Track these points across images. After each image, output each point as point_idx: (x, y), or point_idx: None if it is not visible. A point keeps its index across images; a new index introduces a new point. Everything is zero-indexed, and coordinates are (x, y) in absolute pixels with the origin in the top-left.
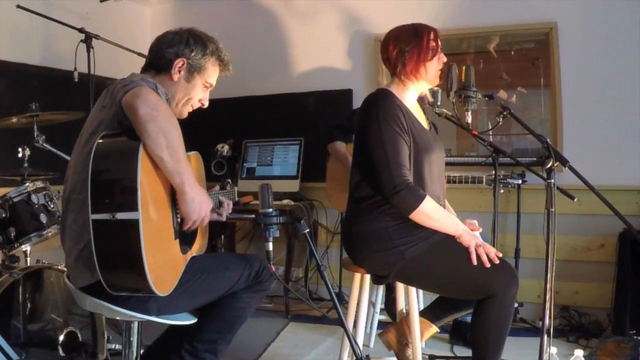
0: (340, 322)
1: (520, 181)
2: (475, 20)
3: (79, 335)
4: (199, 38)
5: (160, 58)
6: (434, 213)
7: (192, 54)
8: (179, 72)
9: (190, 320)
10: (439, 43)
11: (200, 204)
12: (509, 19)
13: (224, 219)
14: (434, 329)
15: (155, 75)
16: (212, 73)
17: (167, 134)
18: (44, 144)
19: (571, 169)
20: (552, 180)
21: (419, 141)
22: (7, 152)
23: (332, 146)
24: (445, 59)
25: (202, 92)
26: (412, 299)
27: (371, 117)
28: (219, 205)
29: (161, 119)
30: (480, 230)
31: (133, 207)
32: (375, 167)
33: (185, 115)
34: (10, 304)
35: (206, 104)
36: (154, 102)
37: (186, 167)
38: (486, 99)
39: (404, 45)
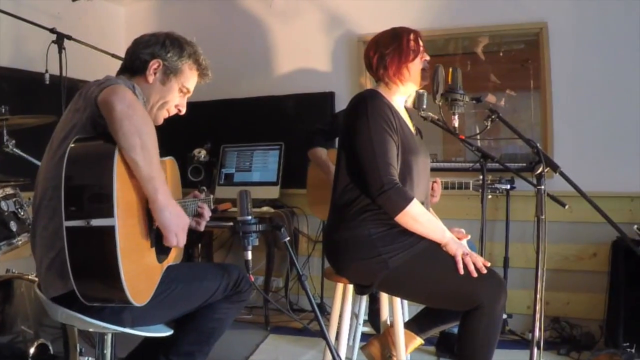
0: (322, 334)
1: (508, 186)
2: (463, 21)
3: (50, 347)
4: (176, 40)
5: (136, 60)
6: (420, 216)
7: (168, 55)
8: (154, 73)
9: (166, 332)
10: (421, 43)
11: (174, 214)
12: (498, 19)
13: (202, 228)
14: (418, 340)
15: (131, 78)
16: (189, 76)
17: (142, 135)
18: (14, 149)
19: (562, 174)
20: (542, 187)
21: (407, 143)
22: None
23: (312, 152)
24: (428, 58)
25: (178, 97)
26: (397, 310)
27: (359, 116)
28: (197, 213)
29: (137, 119)
30: (469, 237)
31: (109, 213)
32: (363, 166)
33: (160, 121)
34: None
35: (183, 111)
36: (130, 100)
37: (159, 173)
38: (474, 102)
39: (383, 49)
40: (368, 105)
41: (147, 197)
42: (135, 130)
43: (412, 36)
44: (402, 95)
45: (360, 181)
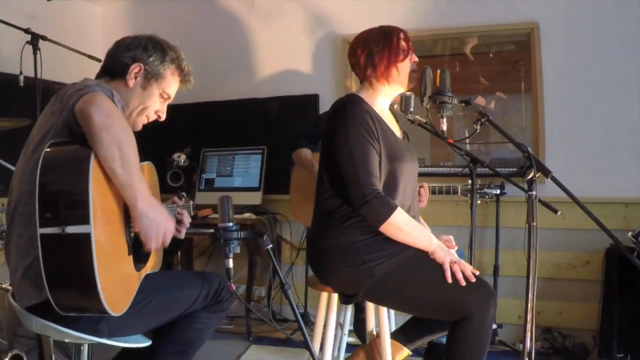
0: (305, 345)
1: (498, 191)
2: (451, 21)
3: (25, 358)
4: (159, 44)
5: (116, 62)
6: (405, 225)
7: (150, 60)
8: (135, 77)
9: (144, 343)
10: (410, 44)
11: (155, 221)
12: (487, 19)
13: (182, 236)
14: (405, 351)
15: (110, 81)
16: (170, 82)
17: (121, 144)
18: None
19: (554, 180)
20: (534, 192)
21: (390, 149)
22: None
23: (297, 154)
24: (417, 59)
25: (158, 102)
26: (383, 320)
27: (338, 123)
28: (176, 220)
29: (115, 129)
30: (457, 248)
31: (84, 220)
32: (343, 176)
33: (139, 127)
34: None
35: (163, 117)
36: (108, 109)
37: (140, 181)
38: (463, 104)
39: (373, 47)
40: (347, 112)
41: (128, 205)
42: (114, 140)
43: (402, 35)
44: (386, 97)
45: (341, 191)
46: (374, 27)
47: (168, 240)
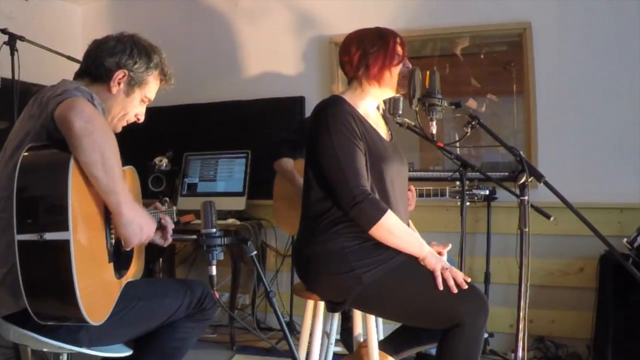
0: (291, 355)
1: (487, 192)
2: (441, 20)
3: None
4: (144, 48)
5: (99, 66)
6: (396, 229)
7: (135, 67)
8: (119, 84)
9: (125, 353)
10: (405, 50)
11: (139, 227)
12: (478, 19)
13: (166, 244)
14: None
15: (91, 84)
16: (152, 87)
17: (103, 150)
18: None
19: (547, 184)
20: (526, 197)
21: (375, 150)
22: None
23: (278, 164)
24: (410, 66)
25: (139, 106)
26: (371, 329)
27: (321, 126)
28: (159, 226)
29: (97, 134)
30: (449, 247)
31: (63, 226)
32: (330, 178)
33: (119, 130)
34: None
35: (142, 119)
36: (89, 115)
37: (123, 187)
38: (453, 107)
39: (368, 47)
40: (328, 114)
41: (111, 211)
42: (96, 146)
43: (398, 40)
44: (374, 99)
45: (330, 195)
46: (369, 27)
47: (146, 242)
